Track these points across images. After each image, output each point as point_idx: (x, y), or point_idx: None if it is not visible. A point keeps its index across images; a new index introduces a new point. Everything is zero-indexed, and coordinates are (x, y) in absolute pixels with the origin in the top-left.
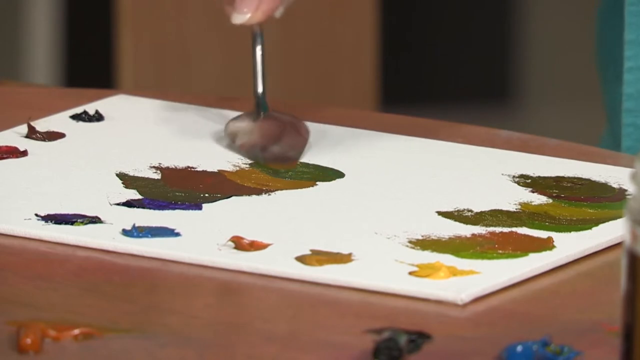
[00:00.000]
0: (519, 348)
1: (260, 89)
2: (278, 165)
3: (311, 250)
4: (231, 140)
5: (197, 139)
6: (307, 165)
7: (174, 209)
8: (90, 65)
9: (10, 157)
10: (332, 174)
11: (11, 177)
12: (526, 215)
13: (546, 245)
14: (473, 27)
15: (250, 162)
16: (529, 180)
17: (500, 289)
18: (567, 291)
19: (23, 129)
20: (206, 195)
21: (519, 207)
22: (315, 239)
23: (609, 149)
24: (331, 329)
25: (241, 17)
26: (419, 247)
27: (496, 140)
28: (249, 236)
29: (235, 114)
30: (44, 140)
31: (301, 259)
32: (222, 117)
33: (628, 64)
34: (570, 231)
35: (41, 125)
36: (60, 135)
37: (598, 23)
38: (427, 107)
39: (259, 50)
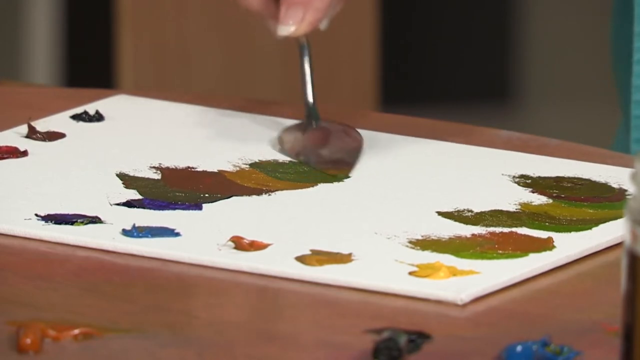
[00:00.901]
0: (519, 348)
1: (310, 99)
2: (333, 170)
3: (311, 250)
4: (284, 149)
5: (197, 139)
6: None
7: (174, 209)
8: (90, 65)
9: (11, 157)
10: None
11: (11, 177)
12: (526, 215)
13: (546, 245)
14: (473, 27)
15: (251, 162)
16: (529, 181)
17: (500, 289)
18: (567, 291)
19: (23, 129)
20: (206, 195)
21: (519, 207)
22: (315, 239)
23: (624, 144)
24: (331, 329)
25: (286, 29)
26: (419, 247)
27: (496, 141)
28: (249, 236)
29: (236, 114)
30: (44, 140)
31: (301, 259)
32: (222, 117)
33: (637, 55)
34: (570, 231)
35: (41, 125)
36: (61, 136)
37: (613, 16)
38: (427, 107)
39: (307, 62)
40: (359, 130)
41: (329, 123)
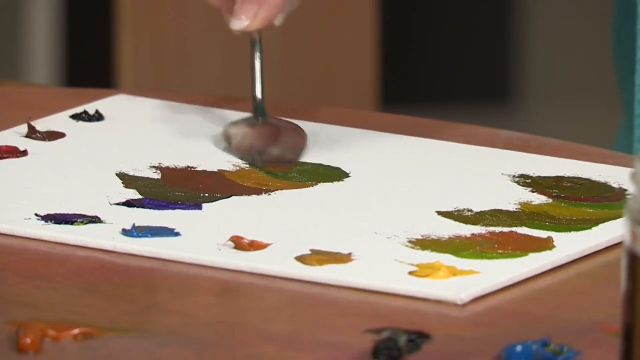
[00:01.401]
0: (519, 348)
1: (259, 95)
2: (276, 168)
3: (311, 250)
4: (228, 144)
5: (197, 139)
6: (311, 164)
7: (174, 209)
8: (90, 65)
9: (11, 157)
10: (338, 174)
11: (11, 177)
12: (526, 215)
13: (546, 245)
14: (473, 27)
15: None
16: (529, 180)
17: (500, 289)
18: (567, 291)
19: (23, 128)
20: (206, 195)
21: (519, 207)
22: (315, 239)
23: (626, 143)
24: (331, 329)
25: (239, 23)
26: (419, 247)
27: (496, 141)
28: (249, 236)
29: (236, 114)
30: (44, 140)
31: (301, 259)
32: (222, 117)
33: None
34: (570, 231)
35: (41, 125)
36: (61, 135)
37: (614, 15)
38: (427, 107)
39: (257, 57)
40: (359, 131)
41: (274, 118)
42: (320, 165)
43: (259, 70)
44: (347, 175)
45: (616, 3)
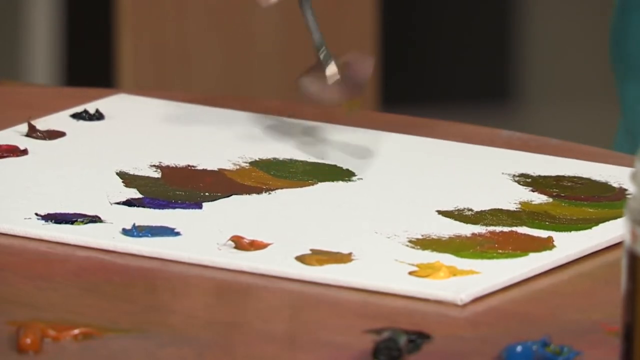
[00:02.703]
0: (519, 348)
1: (321, 42)
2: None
3: (311, 250)
4: (310, 89)
5: (197, 138)
6: (312, 163)
7: (174, 208)
8: (90, 65)
9: (11, 155)
10: (342, 172)
11: (11, 176)
12: (526, 214)
13: (546, 245)
14: (473, 27)
15: (251, 160)
16: (529, 180)
17: (500, 289)
18: (567, 291)
19: (23, 127)
20: (206, 194)
21: (519, 206)
22: (315, 239)
23: (625, 143)
24: (331, 329)
25: None
26: (419, 247)
27: (497, 140)
28: (249, 235)
29: (236, 112)
30: (44, 139)
31: (301, 258)
32: (222, 116)
33: None
34: (570, 231)
35: (41, 124)
36: (61, 134)
37: (613, 18)
38: (427, 107)
39: (308, 8)
40: (360, 130)
41: (337, 57)
42: (323, 164)
43: (313, 21)
44: (352, 174)
45: (615, 4)
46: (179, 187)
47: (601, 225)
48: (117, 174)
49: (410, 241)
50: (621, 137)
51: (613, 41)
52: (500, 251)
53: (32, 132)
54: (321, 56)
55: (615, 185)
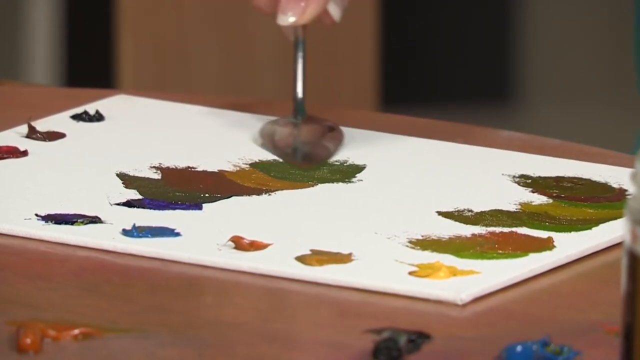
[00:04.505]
0: (519, 348)
1: (300, 95)
2: (311, 165)
3: (311, 250)
4: (267, 141)
5: (197, 139)
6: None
7: (174, 209)
8: (90, 65)
9: (11, 157)
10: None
11: (11, 177)
12: (526, 215)
13: (546, 245)
14: (473, 27)
15: (251, 162)
16: (529, 180)
17: (500, 289)
18: (566, 291)
19: (23, 128)
20: (206, 195)
21: (519, 207)
22: (315, 239)
23: None
24: (331, 329)
25: (285, 19)
26: (419, 247)
27: (496, 141)
28: (249, 236)
29: (236, 113)
30: (44, 140)
31: (301, 259)
32: (222, 117)
33: None
34: (570, 231)
35: (41, 125)
36: (61, 135)
37: (636, 17)
38: (427, 107)
39: (300, 57)
40: (359, 131)
41: (314, 118)
42: (323, 165)
43: (301, 70)
44: (352, 175)
45: (637, 4)
46: (179, 188)
47: (601, 225)
48: (117, 175)
49: (410, 242)
50: None
51: (636, 42)
52: (500, 251)
53: (32, 134)
54: (295, 111)
55: (615, 185)
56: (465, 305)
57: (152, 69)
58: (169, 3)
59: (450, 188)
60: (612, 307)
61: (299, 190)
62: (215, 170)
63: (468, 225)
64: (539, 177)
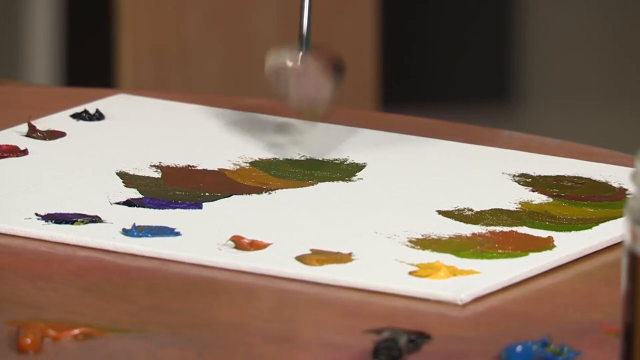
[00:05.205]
0: (519, 348)
1: (305, 28)
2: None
3: (311, 250)
4: (275, 74)
5: (197, 138)
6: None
7: (174, 207)
8: (90, 65)
9: (11, 155)
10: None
11: (11, 176)
12: (526, 214)
13: (546, 244)
14: (473, 27)
15: (251, 160)
16: (530, 180)
17: (500, 289)
18: (566, 291)
19: (23, 127)
20: (206, 194)
21: (520, 206)
22: (315, 239)
23: None
24: (331, 329)
25: None
26: (419, 247)
27: (497, 140)
28: (249, 235)
29: (236, 113)
30: (44, 139)
31: (301, 258)
32: (222, 116)
33: None
34: (570, 230)
35: (41, 124)
36: (61, 134)
37: None
38: (427, 107)
39: None
40: (359, 130)
41: (316, 57)
42: (323, 164)
43: (307, 4)
44: (352, 174)
45: None
46: (179, 187)
47: (601, 225)
48: (117, 173)
49: (410, 241)
50: None
51: None
52: (501, 251)
53: (32, 132)
54: (300, 43)
55: (615, 185)
56: (465, 305)
57: (152, 69)
58: (169, 3)
59: (451, 187)
60: (612, 307)
61: (299, 188)
62: (216, 169)
63: (468, 225)
64: (539, 176)
